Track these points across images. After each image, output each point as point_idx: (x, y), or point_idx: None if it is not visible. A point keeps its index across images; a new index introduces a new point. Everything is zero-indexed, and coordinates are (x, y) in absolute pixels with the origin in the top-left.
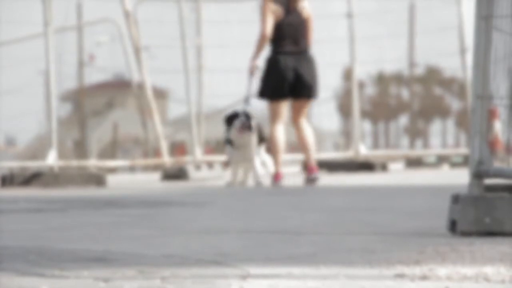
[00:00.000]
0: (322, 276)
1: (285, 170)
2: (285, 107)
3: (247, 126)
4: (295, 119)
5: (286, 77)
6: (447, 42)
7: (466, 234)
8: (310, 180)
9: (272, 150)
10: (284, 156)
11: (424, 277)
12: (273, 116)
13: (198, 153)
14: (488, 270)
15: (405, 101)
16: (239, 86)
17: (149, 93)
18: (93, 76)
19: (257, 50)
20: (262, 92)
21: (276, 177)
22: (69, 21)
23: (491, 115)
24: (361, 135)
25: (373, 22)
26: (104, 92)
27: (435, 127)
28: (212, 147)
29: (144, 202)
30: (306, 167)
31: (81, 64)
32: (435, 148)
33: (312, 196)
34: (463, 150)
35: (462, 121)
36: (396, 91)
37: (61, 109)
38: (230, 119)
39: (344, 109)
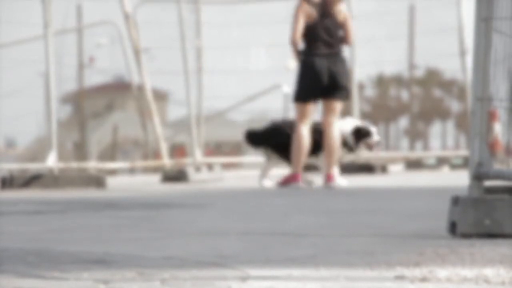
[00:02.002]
0: (322, 278)
1: (285, 172)
2: (312, 109)
3: (378, 145)
4: (326, 119)
5: (321, 80)
6: (447, 43)
7: (466, 236)
8: (326, 188)
9: (295, 150)
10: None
11: (424, 279)
12: (301, 117)
13: (198, 155)
14: (488, 272)
15: (405, 103)
16: (239, 87)
17: (149, 95)
18: (93, 78)
19: (293, 50)
20: (298, 96)
21: (294, 178)
22: (69, 23)
23: (491, 117)
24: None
25: (372, 23)
26: (104, 94)
27: (435, 129)
28: (212, 149)
29: (144, 204)
30: (325, 172)
31: (81, 66)
32: (435, 150)
33: (312, 198)
34: (463, 152)
35: (462, 123)
36: (396, 93)
37: (61, 111)
38: (359, 132)
39: (344, 111)
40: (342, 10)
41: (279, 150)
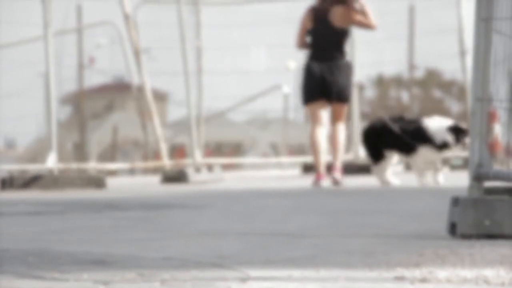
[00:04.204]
0: (321, 278)
1: (285, 172)
2: (321, 110)
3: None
4: (331, 121)
5: (317, 83)
6: (446, 44)
7: (466, 236)
8: (331, 179)
9: (311, 151)
10: (284, 159)
11: (424, 280)
12: (311, 119)
13: (198, 156)
14: (488, 272)
15: (405, 103)
16: (239, 88)
17: (149, 96)
18: (93, 79)
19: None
20: (302, 99)
21: (315, 179)
22: (68, 24)
23: (490, 117)
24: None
25: None
26: (104, 95)
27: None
28: (212, 150)
29: (144, 205)
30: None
31: (81, 67)
32: None
33: (312, 198)
34: (463, 152)
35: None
36: (396, 93)
37: (61, 111)
38: (457, 131)
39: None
40: (338, 17)
41: (384, 146)
